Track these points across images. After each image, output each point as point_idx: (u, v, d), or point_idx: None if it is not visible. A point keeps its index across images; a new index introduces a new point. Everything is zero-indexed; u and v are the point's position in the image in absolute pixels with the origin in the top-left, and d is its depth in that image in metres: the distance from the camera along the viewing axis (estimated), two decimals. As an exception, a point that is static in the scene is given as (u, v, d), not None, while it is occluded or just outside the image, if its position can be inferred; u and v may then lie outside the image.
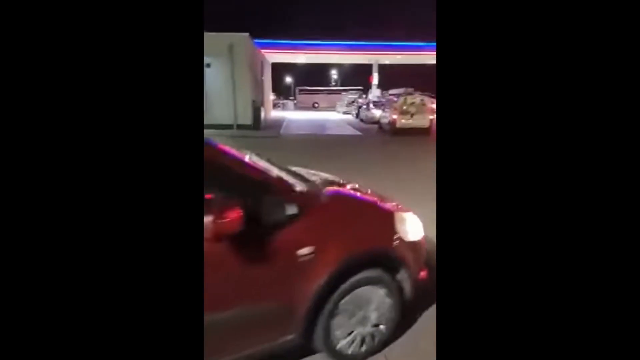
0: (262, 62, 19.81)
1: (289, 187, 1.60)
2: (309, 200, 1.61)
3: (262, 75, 18.65)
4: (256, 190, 1.44)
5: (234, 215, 1.25)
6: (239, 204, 1.28)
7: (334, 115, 26.96)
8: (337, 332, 1.71)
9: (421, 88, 18.37)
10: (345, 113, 27.02)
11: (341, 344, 1.74)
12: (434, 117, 12.69)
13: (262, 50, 20.19)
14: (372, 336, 1.85)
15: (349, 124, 18.98)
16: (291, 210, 1.49)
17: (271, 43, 23.45)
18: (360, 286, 1.69)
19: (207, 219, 1.19)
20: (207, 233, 1.19)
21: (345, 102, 28.80)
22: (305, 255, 1.49)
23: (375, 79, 29.07)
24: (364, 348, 1.83)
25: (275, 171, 1.67)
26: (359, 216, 1.81)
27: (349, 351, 1.78)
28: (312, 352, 1.78)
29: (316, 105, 36.95)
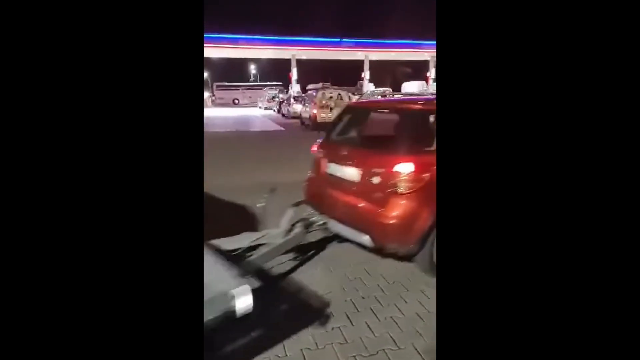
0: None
1: None
2: None
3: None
4: None
5: None
6: None
7: (255, 111, 26.58)
8: None
9: (337, 83, 19.15)
10: (266, 109, 26.79)
11: None
12: (351, 110, 13.33)
13: (173, 44, 18.93)
14: None
15: (271, 119, 18.93)
16: None
17: (183, 36, 21.97)
18: None
19: None
20: None
21: (267, 98, 28.57)
22: None
23: (294, 74, 29.34)
24: None
25: None
26: None
27: None
28: None
29: (236, 101, 35.91)
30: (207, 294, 1.40)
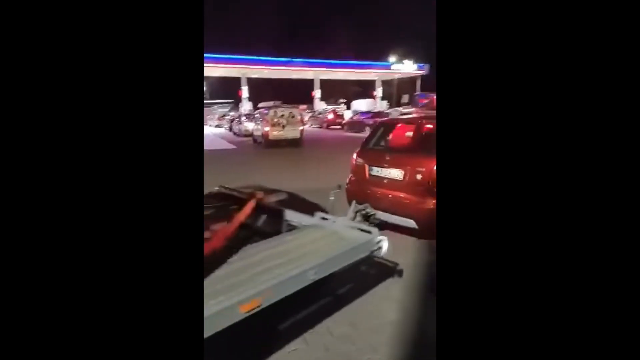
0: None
1: None
2: None
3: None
4: None
5: None
6: None
7: (206, 129, 25.92)
8: None
9: (288, 101, 19.36)
10: (217, 127, 26.31)
11: None
12: (303, 127, 13.53)
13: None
14: None
15: (223, 137, 18.57)
16: None
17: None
18: None
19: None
20: None
21: (217, 116, 28.07)
22: None
23: (245, 92, 29.20)
24: None
25: None
26: None
27: None
28: None
29: (185, 119, 34.76)
30: (356, 241, 2.15)
